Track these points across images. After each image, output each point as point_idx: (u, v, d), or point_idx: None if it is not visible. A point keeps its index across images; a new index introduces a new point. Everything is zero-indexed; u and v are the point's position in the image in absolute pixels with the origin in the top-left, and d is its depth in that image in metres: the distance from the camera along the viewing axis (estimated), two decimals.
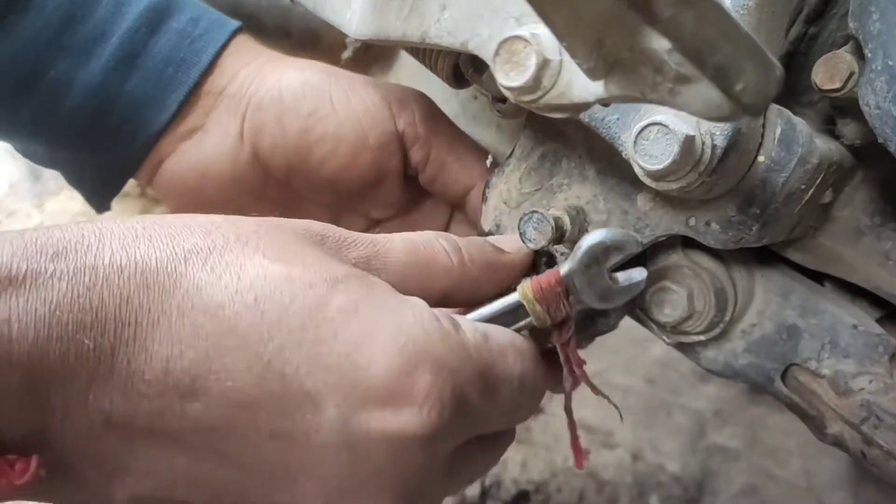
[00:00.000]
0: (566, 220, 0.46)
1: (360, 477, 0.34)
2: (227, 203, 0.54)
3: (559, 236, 0.46)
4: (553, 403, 1.19)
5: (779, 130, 0.41)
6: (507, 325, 0.41)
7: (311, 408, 0.32)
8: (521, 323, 0.41)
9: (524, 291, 0.41)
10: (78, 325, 0.30)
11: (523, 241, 0.48)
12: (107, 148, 0.52)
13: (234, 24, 0.54)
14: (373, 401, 0.33)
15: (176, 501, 0.34)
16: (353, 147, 0.51)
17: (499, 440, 0.42)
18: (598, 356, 1.23)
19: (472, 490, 1.08)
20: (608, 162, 0.47)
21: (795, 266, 0.51)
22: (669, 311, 0.48)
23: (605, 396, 0.43)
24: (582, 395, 1.26)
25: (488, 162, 0.55)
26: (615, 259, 0.40)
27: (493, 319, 0.41)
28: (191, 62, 0.51)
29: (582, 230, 0.47)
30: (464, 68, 0.50)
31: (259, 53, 0.54)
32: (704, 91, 0.26)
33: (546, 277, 0.41)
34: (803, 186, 0.42)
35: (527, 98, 0.31)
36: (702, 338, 0.49)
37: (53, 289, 0.30)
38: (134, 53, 0.51)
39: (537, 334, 0.43)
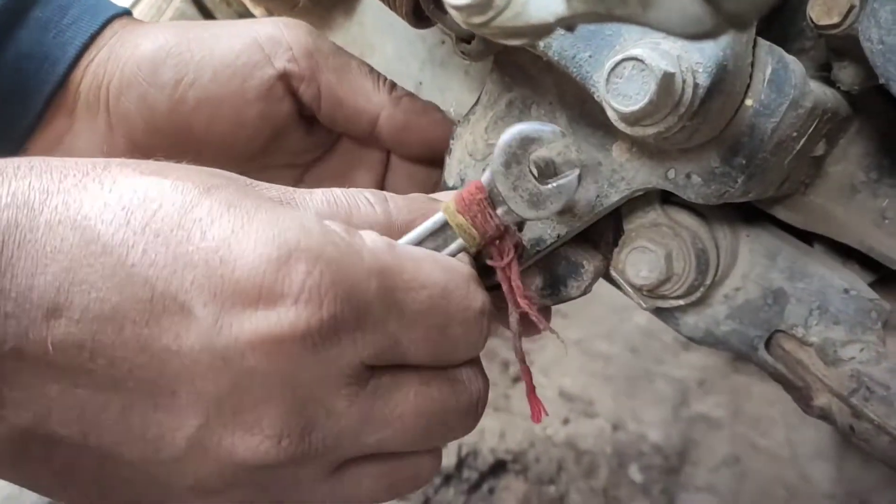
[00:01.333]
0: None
1: (240, 388, 0.31)
2: None
3: None
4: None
5: (769, 70, 0.37)
6: (437, 251, 0.37)
7: (177, 311, 0.30)
8: (453, 246, 0.37)
9: (446, 205, 0.37)
10: None
11: None
12: None
13: (113, 9, 0.48)
14: (243, 298, 0.30)
15: (56, 437, 0.31)
16: (234, 105, 0.46)
17: (447, 378, 0.36)
18: (580, 324, 1.20)
19: (448, 460, 1.05)
20: (580, 109, 0.43)
21: (783, 225, 0.48)
22: (646, 273, 0.44)
23: (552, 332, 0.39)
24: (561, 363, 1.22)
25: (452, 112, 0.51)
26: (535, 153, 0.36)
27: (421, 245, 0.37)
28: (55, 57, 0.46)
29: None
30: (424, 4, 0.45)
31: (115, 31, 0.47)
32: (681, 1, 0.21)
33: (467, 187, 0.37)
34: (795, 134, 0.38)
35: (477, 20, 0.27)
36: (681, 302, 0.45)
37: None
38: None
39: (484, 271, 0.39)
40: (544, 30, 0.27)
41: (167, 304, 0.30)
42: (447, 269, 0.35)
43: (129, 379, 0.30)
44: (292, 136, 0.49)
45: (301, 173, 0.52)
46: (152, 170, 0.32)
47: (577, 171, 0.37)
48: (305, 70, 0.46)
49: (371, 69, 0.49)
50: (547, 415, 0.40)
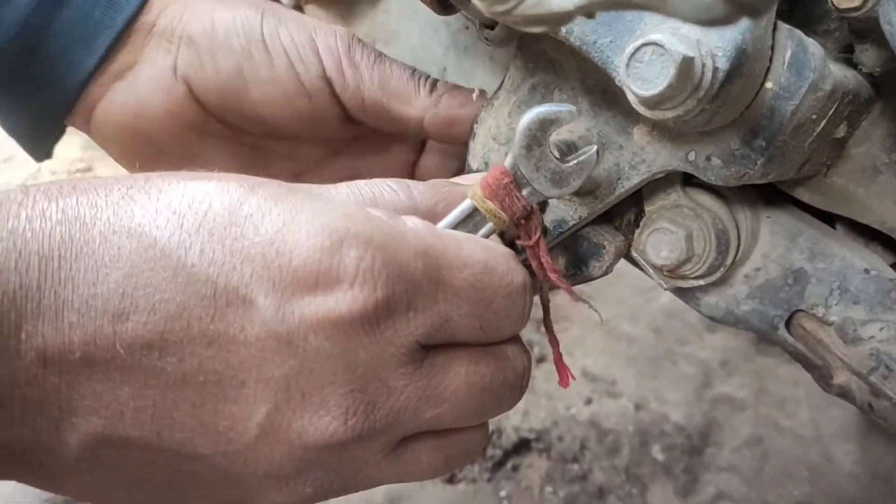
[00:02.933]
0: None
1: (305, 370, 0.32)
2: (168, 141, 0.51)
3: None
4: None
5: (789, 53, 0.37)
6: None
7: (240, 304, 0.32)
8: (483, 230, 0.39)
9: (473, 191, 0.39)
10: (1, 266, 0.30)
11: None
12: (35, 92, 0.50)
13: None
14: (301, 286, 0.32)
15: (129, 439, 0.32)
16: (288, 93, 0.49)
17: (494, 355, 0.37)
18: (605, 305, 1.20)
19: None
20: (602, 93, 0.44)
21: (805, 206, 0.48)
22: (666, 254, 0.45)
23: (585, 301, 0.40)
24: (585, 343, 1.22)
25: (474, 95, 0.52)
26: (554, 133, 0.38)
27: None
28: (119, 3, 0.48)
29: None
30: None
31: None
32: None
33: (492, 172, 0.38)
34: (814, 116, 0.39)
35: (500, 8, 0.28)
36: (701, 282, 0.46)
37: None
38: None
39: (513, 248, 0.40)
40: (565, 17, 0.28)
41: (230, 299, 0.32)
42: (486, 247, 0.37)
43: (198, 374, 0.32)
44: (333, 124, 0.52)
45: (337, 147, 0.55)
46: (193, 176, 0.34)
47: (594, 147, 0.38)
48: (349, 79, 0.49)
49: (413, 72, 0.51)
50: (574, 379, 0.42)
